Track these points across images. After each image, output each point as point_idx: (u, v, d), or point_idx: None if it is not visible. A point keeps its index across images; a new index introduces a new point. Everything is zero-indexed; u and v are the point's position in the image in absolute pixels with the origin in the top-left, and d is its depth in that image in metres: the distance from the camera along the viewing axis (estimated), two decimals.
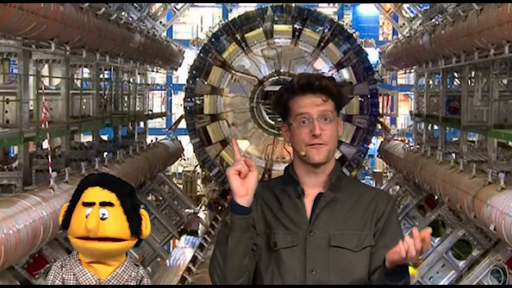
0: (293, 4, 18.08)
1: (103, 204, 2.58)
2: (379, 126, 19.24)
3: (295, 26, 18.00)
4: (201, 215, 18.98)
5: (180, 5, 23.31)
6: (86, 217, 2.55)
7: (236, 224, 2.71)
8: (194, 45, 20.90)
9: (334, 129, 2.86)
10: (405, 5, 21.69)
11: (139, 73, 21.04)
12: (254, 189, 2.71)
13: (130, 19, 17.20)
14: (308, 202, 2.90)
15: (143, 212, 2.68)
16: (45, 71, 15.11)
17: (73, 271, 2.64)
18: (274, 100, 2.98)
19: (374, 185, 25.87)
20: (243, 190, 2.70)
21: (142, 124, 21.79)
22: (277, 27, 18.04)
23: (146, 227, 2.68)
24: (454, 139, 20.11)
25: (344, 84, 3.73)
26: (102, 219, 2.55)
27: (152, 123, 27.32)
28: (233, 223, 2.71)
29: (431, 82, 18.91)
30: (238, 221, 2.71)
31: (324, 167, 2.89)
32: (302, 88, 2.86)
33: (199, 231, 17.52)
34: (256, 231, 2.87)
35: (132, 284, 2.67)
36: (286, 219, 2.88)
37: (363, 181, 28.78)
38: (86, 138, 18.74)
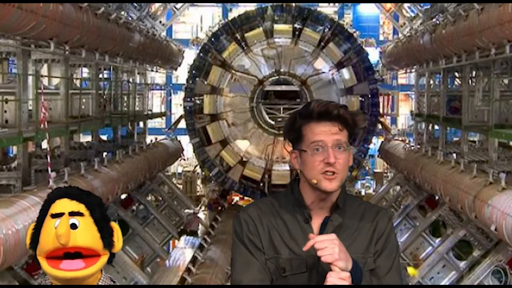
0: (293, 4, 18.03)
1: (72, 214, 2.48)
2: (379, 126, 19.19)
3: (295, 25, 17.96)
4: (201, 215, 18.93)
5: (179, 4, 23.28)
6: (56, 228, 2.44)
7: None
8: (193, 45, 20.81)
9: (347, 158, 2.83)
10: (406, 5, 21.65)
11: (138, 73, 21.00)
12: None
13: (130, 18, 17.14)
14: (315, 227, 2.87)
15: (114, 224, 2.58)
16: (44, 70, 15.08)
17: None
18: (287, 125, 2.92)
19: (374, 186, 25.90)
20: None
21: (141, 124, 21.75)
22: (277, 26, 17.99)
23: (118, 239, 2.57)
24: (455, 139, 20.08)
25: (357, 113, 3.74)
26: (72, 228, 2.45)
27: (152, 123, 27.30)
28: None
29: (431, 81, 18.87)
30: None
31: (332, 193, 2.86)
32: (320, 115, 2.82)
33: (199, 232, 17.47)
34: (265, 255, 2.84)
35: None
36: (294, 244, 2.84)
37: (363, 182, 28.64)
38: (86, 138, 18.70)
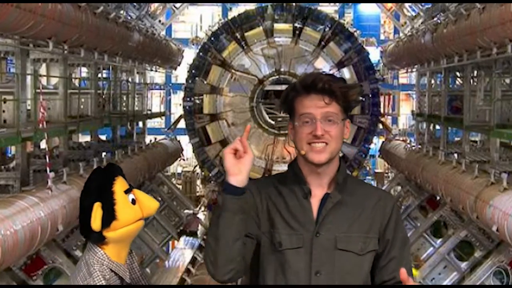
0: (294, 3, 17.95)
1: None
2: (380, 126, 19.11)
3: (296, 25, 17.86)
4: (201, 215, 18.87)
5: (179, 3, 23.19)
6: (132, 202, 2.93)
7: (227, 204, 2.66)
8: (193, 44, 20.71)
9: (339, 131, 2.83)
10: (407, 4, 21.57)
11: (138, 72, 20.93)
12: (248, 170, 2.67)
13: (129, 17, 17.08)
14: (315, 203, 2.86)
15: None
16: (43, 70, 14.99)
17: (110, 268, 2.96)
18: (281, 98, 2.95)
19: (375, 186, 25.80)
20: (236, 169, 2.64)
21: (141, 124, 21.68)
22: (277, 26, 17.90)
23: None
24: (456, 139, 20.02)
25: (353, 86, 3.69)
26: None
27: (151, 123, 27.22)
28: (225, 203, 2.68)
29: (433, 81, 18.82)
30: (229, 201, 2.66)
31: (326, 167, 2.85)
32: (306, 88, 2.84)
33: (198, 232, 17.41)
34: (261, 229, 2.85)
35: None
36: (292, 219, 2.83)
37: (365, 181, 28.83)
38: (84, 138, 18.63)
